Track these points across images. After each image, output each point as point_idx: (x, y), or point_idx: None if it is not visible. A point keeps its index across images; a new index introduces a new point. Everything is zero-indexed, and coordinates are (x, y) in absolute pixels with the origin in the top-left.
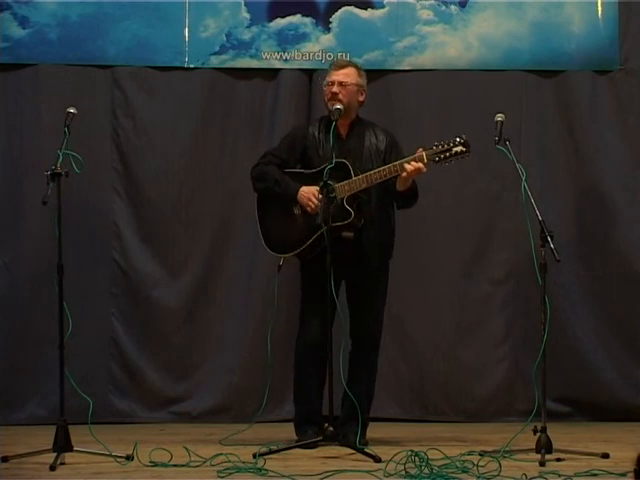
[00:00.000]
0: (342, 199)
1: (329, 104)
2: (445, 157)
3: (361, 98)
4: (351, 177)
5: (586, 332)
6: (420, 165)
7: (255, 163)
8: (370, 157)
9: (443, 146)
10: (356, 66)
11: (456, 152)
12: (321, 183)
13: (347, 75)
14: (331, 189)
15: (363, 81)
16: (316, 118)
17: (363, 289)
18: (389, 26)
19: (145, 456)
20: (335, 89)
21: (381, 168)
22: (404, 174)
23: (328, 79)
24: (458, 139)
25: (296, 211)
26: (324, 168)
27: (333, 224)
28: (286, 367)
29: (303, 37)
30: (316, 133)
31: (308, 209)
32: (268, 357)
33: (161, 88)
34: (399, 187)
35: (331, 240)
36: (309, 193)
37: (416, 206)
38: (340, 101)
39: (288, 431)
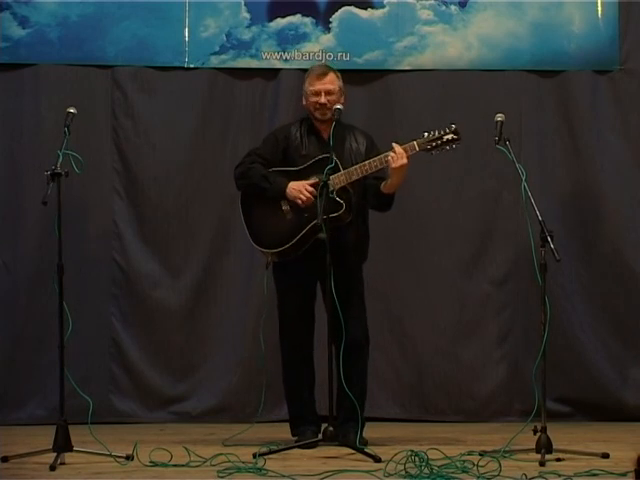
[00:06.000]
0: (332, 191)
1: (316, 113)
2: (437, 145)
3: (342, 100)
4: (339, 172)
5: (586, 332)
6: (400, 150)
7: (239, 162)
8: (350, 159)
9: (434, 134)
10: (334, 70)
11: (447, 140)
12: (321, 183)
13: (332, 82)
14: (331, 189)
15: (342, 83)
16: (297, 119)
17: (339, 291)
18: (389, 26)
19: (145, 456)
20: (323, 100)
21: (372, 159)
22: (392, 164)
23: (312, 88)
24: (448, 128)
25: (284, 207)
26: (309, 165)
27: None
28: None
29: (303, 37)
30: (298, 134)
31: (298, 201)
32: (261, 355)
33: (161, 88)
34: (386, 189)
35: (313, 240)
36: (299, 186)
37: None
38: (330, 110)
39: (288, 431)
